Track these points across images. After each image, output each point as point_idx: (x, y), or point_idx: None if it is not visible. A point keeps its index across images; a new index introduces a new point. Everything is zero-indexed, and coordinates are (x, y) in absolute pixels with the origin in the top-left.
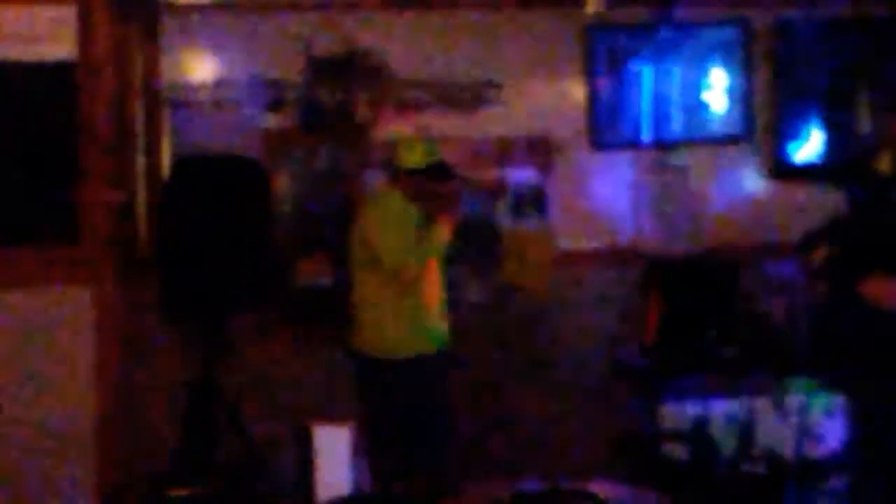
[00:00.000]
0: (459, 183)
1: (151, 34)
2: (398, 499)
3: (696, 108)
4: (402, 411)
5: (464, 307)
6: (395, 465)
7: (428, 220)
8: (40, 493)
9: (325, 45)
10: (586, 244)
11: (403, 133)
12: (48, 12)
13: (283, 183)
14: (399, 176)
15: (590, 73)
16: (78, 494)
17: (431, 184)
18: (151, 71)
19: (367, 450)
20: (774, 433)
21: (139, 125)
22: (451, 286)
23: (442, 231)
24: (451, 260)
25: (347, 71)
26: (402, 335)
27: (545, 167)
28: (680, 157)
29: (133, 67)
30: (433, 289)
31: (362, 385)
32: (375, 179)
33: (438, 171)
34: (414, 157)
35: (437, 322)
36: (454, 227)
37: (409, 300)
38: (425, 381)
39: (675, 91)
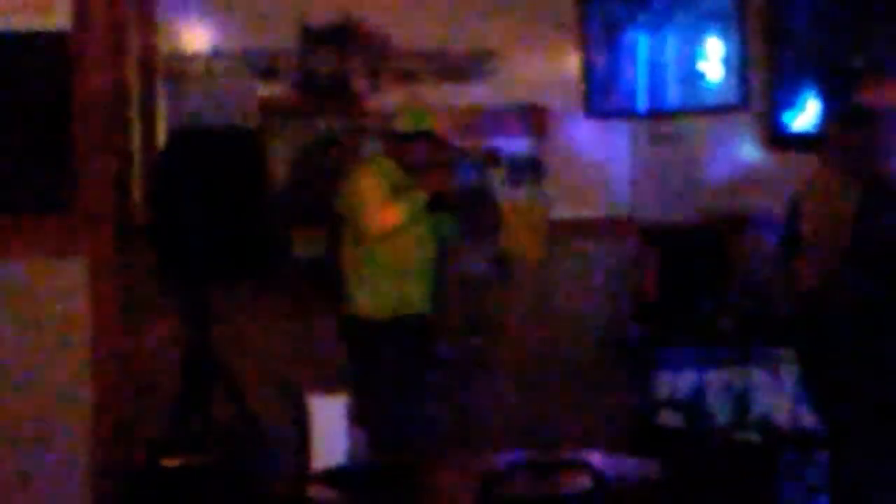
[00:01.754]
0: (449, 152)
1: (147, 3)
2: (392, 468)
3: (692, 76)
4: (385, 373)
5: (460, 276)
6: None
7: (407, 186)
8: (36, 462)
9: (321, 14)
10: (582, 213)
11: (398, 102)
12: None
13: (278, 152)
14: (390, 141)
15: (585, 42)
16: (74, 463)
17: (418, 149)
18: (147, 40)
19: (360, 417)
20: (770, 402)
21: (134, 95)
22: (448, 254)
23: (417, 195)
24: (448, 236)
25: (342, 40)
26: (375, 296)
27: (540, 136)
28: (676, 126)
29: (128, 37)
30: (405, 252)
31: (349, 348)
32: (371, 149)
33: (427, 138)
34: (404, 123)
35: (416, 284)
36: (444, 195)
37: (379, 261)
38: (404, 343)
39: (670, 59)
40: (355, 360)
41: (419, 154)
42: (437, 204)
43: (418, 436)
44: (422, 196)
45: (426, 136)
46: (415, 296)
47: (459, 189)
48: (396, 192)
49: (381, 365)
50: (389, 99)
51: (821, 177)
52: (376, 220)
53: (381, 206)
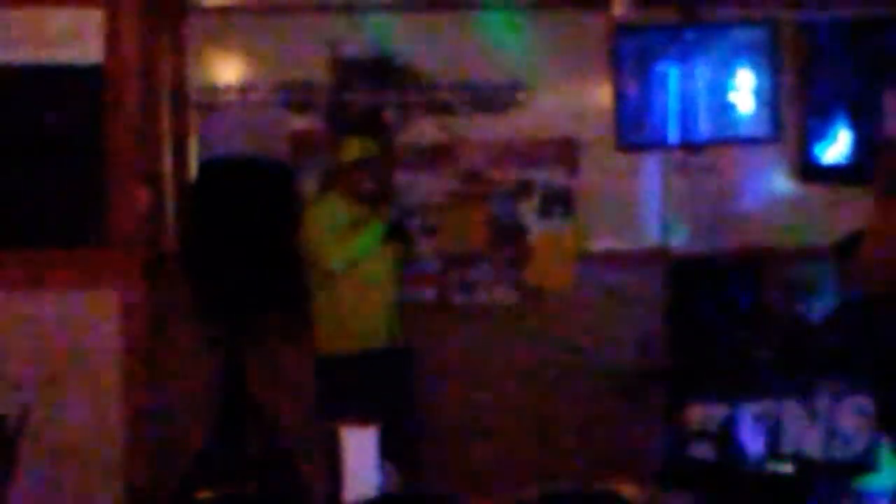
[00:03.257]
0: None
1: (178, 36)
2: (426, 501)
3: (723, 108)
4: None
5: (490, 308)
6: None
7: (362, 219)
8: (68, 495)
9: (353, 47)
10: (613, 245)
11: (431, 134)
12: (76, 15)
13: (310, 185)
14: (338, 171)
15: (616, 74)
16: (107, 494)
17: (364, 177)
18: (178, 73)
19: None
20: (803, 433)
21: (166, 127)
22: (475, 287)
23: (372, 227)
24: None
25: (375, 73)
26: (341, 332)
27: (572, 168)
28: (707, 158)
29: (160, 70)
30: (367, 285)
31: (321, 386)
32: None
33: (372, 166)
34: (351, 152)
35: (373, 318)
36: (401, 224)
37: (340, 295)
38: (371, 378)
39: (701, 92)
40: (329, 397)
41: (362, 179)
42: (395, 232)
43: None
44: (380, 226)
45: (372, 163)
46: (381, 327)
47: (491, 220)
48: (355, 224)
49: (352, 400)
50: (422, 131)
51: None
52: (333, 255)
53: (336, 241)
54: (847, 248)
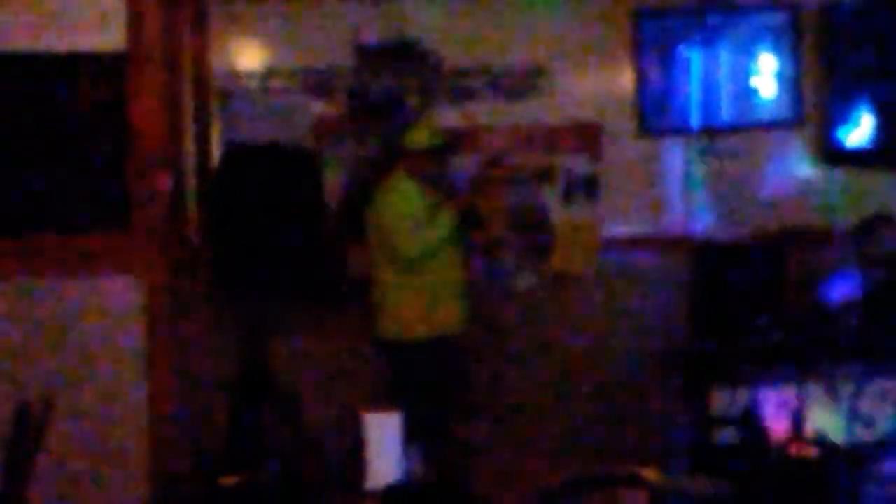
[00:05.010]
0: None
1: (200, 23)
2: (448, 485)
3: (746, 93)
4: (425, 393)
5: (513, 293)
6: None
7: (436, 204)
8: (92, 482)
9: (375, 32)
10: (636, 230)
11: (453, 120)
12: (98, 2)
13: (334, 171)
14: (405, 157)
15: (638, 59)
16: (130, 483)
17: (433, 164)
18: (201, 59)
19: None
20: (826, 418)
21: (189, 114)
22: (501, 274)
23: (448, 214)
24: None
25: (397, 58)
26: (415, 317)
27: (595, 153)
28: (729, 143)
29: (182, 56)
30: (444, 271)
31: (389, 370)
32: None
33: (441, 152)
34: (419, 139)
35: (452, 303)
36: (472, 211)
37: (419, 282)
38: (445, 362)
39: (723, 76)
40: (395, 383)
41: (431, 167)
42: (469, 220)
43: (463, 454)
44: (453, 214)
45: (440, 150)
46: (451, 316)
47: (513, 205)
48: (431, 211)
49: (419, 387)
50: (444, 117)
51: None
52: (413, 243)
53: (416, 228)
54: (867, 230)
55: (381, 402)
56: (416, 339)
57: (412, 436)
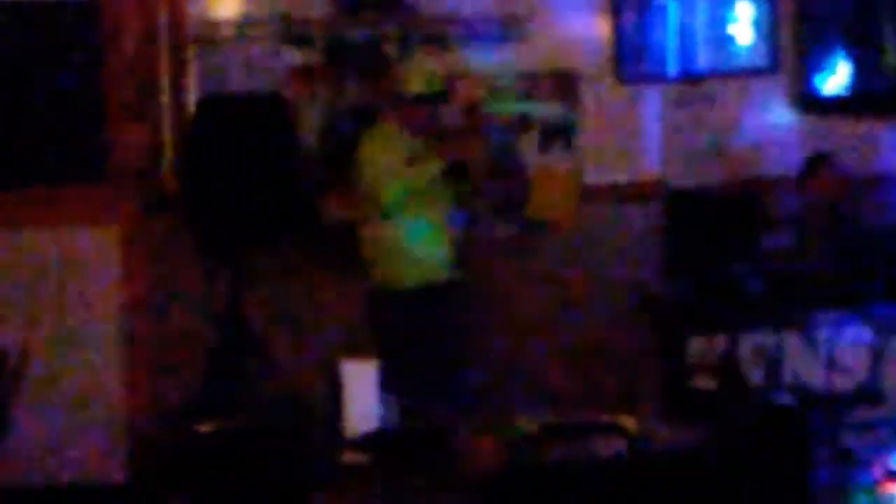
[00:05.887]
0: (478, 119)
1: None
2: (425, 433)
3: (722, 40)
4: (414, 341)
5: (490, 242)
6: (415, 399)
7: (420, 151)
8: (70, 429)
9: None
10: (613, 178)
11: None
12: None
13: (309, 120)
14: (400, 103)
15: (615, 7)
16: (107, 429)
17: (427, 112)
18: (176, 8)
19: (390, 385)
20: (802, 365)
21: (164, 62)
22: (476, 220)
23: (432, 162)
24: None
25: (374, 7)
26: (397, 266)
27: (571, 101)
28: (706, 90)
29: (157, 5)
30: (427, 219)
31: (375, 319)
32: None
33: (437, 101)
34: (415, 84)
35: (436, 251)
36: (465, 163)
37: (397, 231)
38: (432, 308)
39: (700, 23)
40: (383, 331)
41: (427, 114)
42: (456, 172)
43: (449, 403)
44: (436, 165)
45: (437, 98)
46: (436, 263)
47: (489, 154)
48: (410, 160)
49: (409, 334)
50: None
51: None
52: (390, 190)
53: (391, 175)
54: (808, 170)
55: (359, 351)
56: (403, 287)
57: (394, 386)
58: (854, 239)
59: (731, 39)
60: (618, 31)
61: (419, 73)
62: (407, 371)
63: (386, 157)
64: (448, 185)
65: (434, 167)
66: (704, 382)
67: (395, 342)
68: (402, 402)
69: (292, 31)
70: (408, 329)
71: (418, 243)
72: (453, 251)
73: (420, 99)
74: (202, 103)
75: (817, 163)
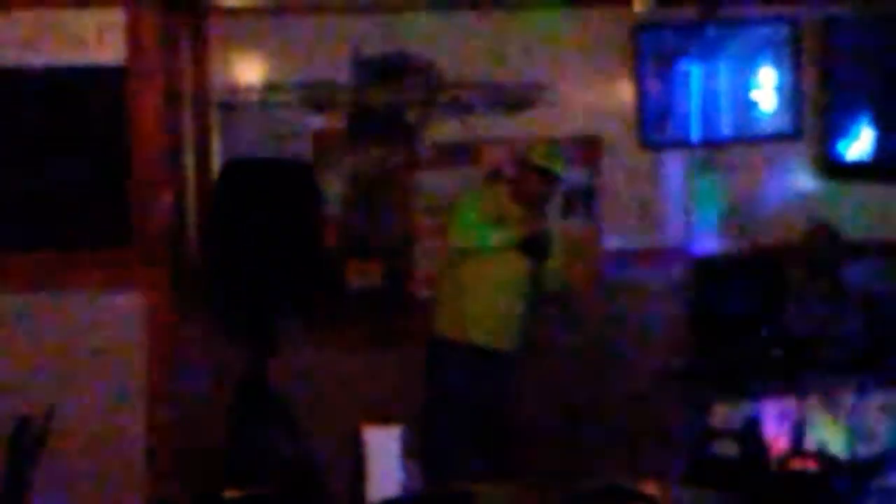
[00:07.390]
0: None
1: (200, 37)
2: (447, 499)
3: (745, 106)
4: (460, 396)
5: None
6: (449, 464)
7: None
8: (92, 495)
9: (374, 47)
10: (635, 243)
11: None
12: (98, 16)
13: (332, 185)
14: (522, 167)
15: (638, 73)
16: (129, 497)
17: (540, 186)
18: (200, 74)
19: (419, 451)
20: (826, 432)
21: (189, 128)
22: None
23: (511, 232)
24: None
25: (396, 72)
26: (455, 315)
27: (594, 166)
28: (729, 156)
29: (182, 70)
30: (493, 286)
31: (427, 368)
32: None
33: (548, 181)
34: (542, 157)
35: (495, 318)
36: (526, 233)
37: (462, 280)
38: (487, 369)
39: (723, 89)
40: (435, 379)
41: (534, 187)
42: (531, 245)
43: (476, 466)
44: (514, 235)
45: (552, 177)
46: (500, 330)
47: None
48: (500, 218)
49: (458, 388)
50: (442, 131)
51: None
52: (458, 236)
53: (468, 225)
54: (808, 241)
55: (382, 417)
56: (466, 341)
57: (417, 449)
58: (877, 305)
59: (754, 105)
60: (641, 96)
61: (550, 149)
62: (440, 430)
63: (474, 208)
64: (525, 260)
65: (511, 237)
66: (727, 448)
67: (444, 391)
68: (424, 468)
69: (315, 97)
70: (457, 383)
71: (476, 303)
72: (521, 324)
73: (538, 170)
74: (226, 168)
75: (816, 231)
